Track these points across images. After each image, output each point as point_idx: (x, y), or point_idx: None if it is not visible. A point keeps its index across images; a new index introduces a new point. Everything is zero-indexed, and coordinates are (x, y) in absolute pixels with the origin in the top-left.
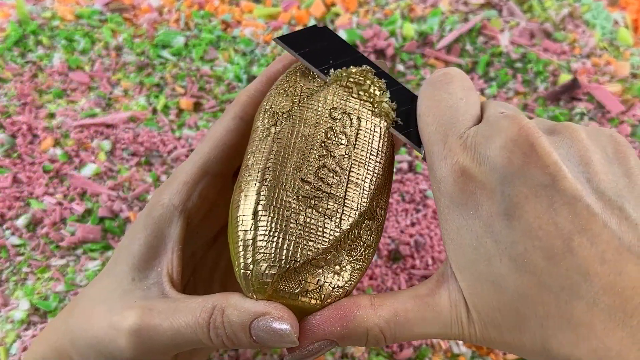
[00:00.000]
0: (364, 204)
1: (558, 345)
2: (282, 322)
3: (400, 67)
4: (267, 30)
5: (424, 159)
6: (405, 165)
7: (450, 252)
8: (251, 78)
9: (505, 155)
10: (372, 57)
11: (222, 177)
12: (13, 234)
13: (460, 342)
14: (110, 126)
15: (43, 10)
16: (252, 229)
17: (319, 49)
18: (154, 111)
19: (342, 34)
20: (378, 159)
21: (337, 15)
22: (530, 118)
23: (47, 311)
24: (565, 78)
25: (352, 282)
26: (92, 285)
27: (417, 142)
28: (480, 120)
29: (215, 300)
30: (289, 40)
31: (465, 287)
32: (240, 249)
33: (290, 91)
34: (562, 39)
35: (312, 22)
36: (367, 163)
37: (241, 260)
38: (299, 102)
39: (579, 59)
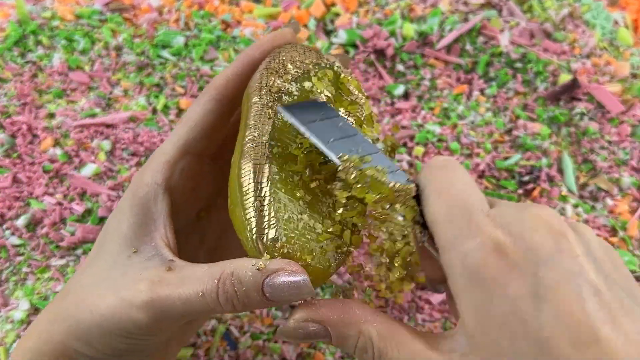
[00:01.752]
0: None
1: None
2: (297, 275)
3: (400, 67)
4: (267, 30)
5: (422, 242)
6: (405, 165)
7: (471, 326)
8: None
9: (540, 239)
10: (372, 57)
11: (200, 157)
12: (13, 234)
13: None
14: (110, 126)
15: (43, 10)
16: (265, 194)
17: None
18: (154, 111)
19: (342, 34)
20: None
21: (337, 15)
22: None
23: (49, 306)
24: (565, 78)
25: (356, 246)
26: (81, 273)
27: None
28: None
29: (222, 266)
30: (294, 111)
31: None
32: (252, 213)
33: (281, 72)
34: (562, 39)
35: (312, 22)
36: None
37: (254, 225)
38: (291, 81)
39: (579, 59)
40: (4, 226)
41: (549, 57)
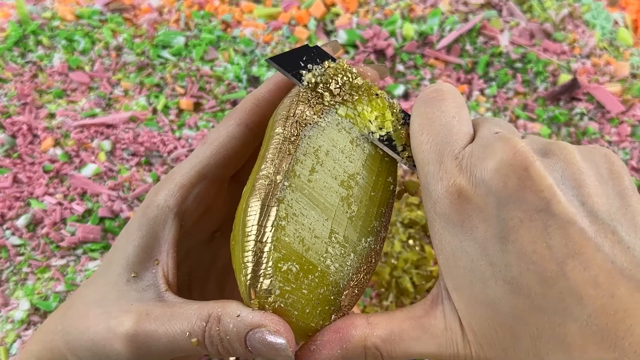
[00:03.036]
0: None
1: None
2: (277, 336)
3: (400, 67)
4: (267, 31)
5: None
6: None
7: (446, 273)
8: (251, 78)
9: (501, 179)
10: (372, 57)
11: (219, 181)
12: (13, 234)
13: None
14: (111, 126)
15: (43, 11)
16: (267, 241)
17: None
18: (154, 111)
19: (342, 34)
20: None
21: (337, 15)
22: (525, 132)
23: (47, 311)
24: (565, 78)
25: (350, 306)
26: (87, 286)
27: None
28: (473, 138)
29: (211, 308)
30: (281, 61)
31: (461, 308)
32: (250, 258)
33: (313, 102)
34: (562, 39)
35: (312, 22)
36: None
37: (249, 270)
38: (321, 113)
39: (579, 59)
40: (5, 226)
41: (548, 57)
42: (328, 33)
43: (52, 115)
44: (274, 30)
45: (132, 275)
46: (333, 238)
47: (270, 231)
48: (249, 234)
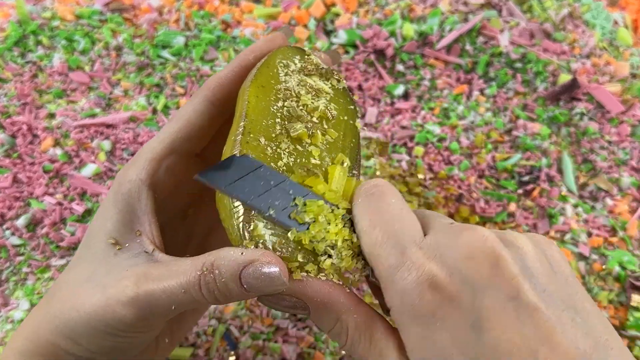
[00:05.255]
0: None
1: None
2: (270, 266)
3: (400, 67)
4: (267, 31)
5: (369, 277)
6: (404, 166)
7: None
8: None
9: (475, 267)
10: (372, 57)
11: (186, 155)
12: (13, 234)
13: None
14: (110, 126)
15: (43, 11)
16: None
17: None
18: (154, 111)
19: (342, 34)
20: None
21: (337, 15)
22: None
23: (36, 305)
24: (565, 78)
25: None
26: (68, 272)
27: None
28: (423, 231)
29: (204, 258)
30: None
31: None
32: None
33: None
34: (561, 39)
35: (312, 22)
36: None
37: (241, 213)
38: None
39: (579, 59)
40: (4, 226)
41: (548, 57)
42: (328, 33)
43: (52, 115)
44: (274, 30)
45: (118, 248)
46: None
47: None
48: None
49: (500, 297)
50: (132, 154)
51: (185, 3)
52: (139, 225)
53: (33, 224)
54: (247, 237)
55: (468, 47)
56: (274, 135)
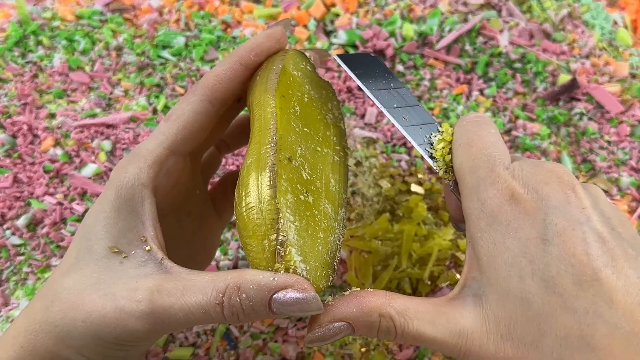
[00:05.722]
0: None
1: None
2: (306, 292)
3: (399, 67)
4: None
5: (451, 187)
6: (404, 165)
7: (484, 265)
8: None
9: (551, 191)
10: None
11: (184, 156)
12: (13, 234)
13: None
14: (111, 126)
15: (43, 11)
16: (284, 210)
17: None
18: (155, 111)
19: (342, 35)
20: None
21: (337, 15)
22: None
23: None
24: (564, 78)
25: (335, 268)
26: (67, 275)
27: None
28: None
29: (226, 279)
30: (347, 60)
31: (493, 299)
32: (278, 224)
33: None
34: (561, 39)
35: (312, 23)
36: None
37: (273, 237)
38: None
39: (578, 59)
40: (5, 226)
41: (548, 58)
42: (328, 33)
43: (52, 115)
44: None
45: (124, 256)
46: (322, 209)
47: (284, 201)
48: (276, 208)
49: (572, 219)
50: None
51: (185, 3)
52: (144, 231)
53: (33, 224)
54: (279, 261)
55: (468, 47)
56: (297, 154)
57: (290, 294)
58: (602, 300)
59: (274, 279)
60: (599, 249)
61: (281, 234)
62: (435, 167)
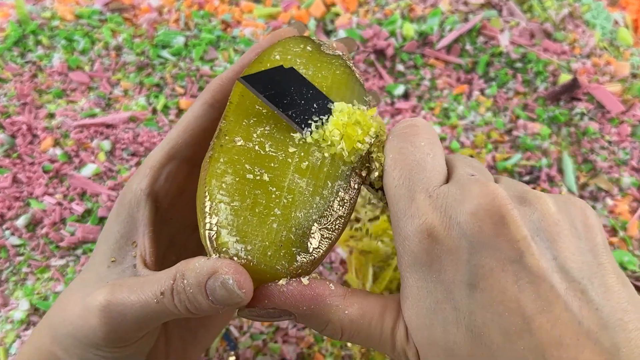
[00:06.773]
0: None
1: None
2: (228, 277)
3: (400, 67)
4: (267, 30)
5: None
6: None
7: (407, 310)
8: None
9: (476, 224)
10: (372, 57)
11: (190, 161)
12: (13, 234)
13: None
14: (110, 126)
15: (43, 10)
16: (218, 192)
17: (286, 91)
18: (154, 111)
19: (342, 34)
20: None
21: (337, 15)
22: (499, 176)
23: (46, 311)
24: (565, 78)
25: (321, 249)
26: (74, 280)
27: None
28: (447, 178)
29: (178, 266)
30: (254, 81)
31: (420, 343)
32: (207, 208)
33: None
34: (562, 39)
35: (312, 22)
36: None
37: (207, 220)
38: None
39: (579, 59)
40: (4, 226)
41: (549, 57)
42: (328, 33)
43: (51, 115)
44: (274, 30)
45: (112, 260)
46: (287, 185)
47: (219, 183)
48: (205, 192)
49: (501, 258)
50: (132, 154)
51: (185, 3)
52: (136, 236)
53: (33, 224)
54: (212, 245)
55: (468, 47)
56: (255, 135)
57: (215, 280)
58: (532, 355)
59: (204, 262)
60: (532, 293)
61: (209, 217)
62: (372, 195)
